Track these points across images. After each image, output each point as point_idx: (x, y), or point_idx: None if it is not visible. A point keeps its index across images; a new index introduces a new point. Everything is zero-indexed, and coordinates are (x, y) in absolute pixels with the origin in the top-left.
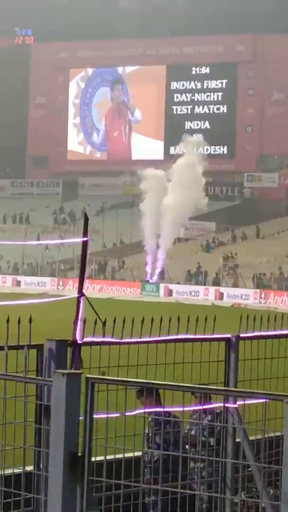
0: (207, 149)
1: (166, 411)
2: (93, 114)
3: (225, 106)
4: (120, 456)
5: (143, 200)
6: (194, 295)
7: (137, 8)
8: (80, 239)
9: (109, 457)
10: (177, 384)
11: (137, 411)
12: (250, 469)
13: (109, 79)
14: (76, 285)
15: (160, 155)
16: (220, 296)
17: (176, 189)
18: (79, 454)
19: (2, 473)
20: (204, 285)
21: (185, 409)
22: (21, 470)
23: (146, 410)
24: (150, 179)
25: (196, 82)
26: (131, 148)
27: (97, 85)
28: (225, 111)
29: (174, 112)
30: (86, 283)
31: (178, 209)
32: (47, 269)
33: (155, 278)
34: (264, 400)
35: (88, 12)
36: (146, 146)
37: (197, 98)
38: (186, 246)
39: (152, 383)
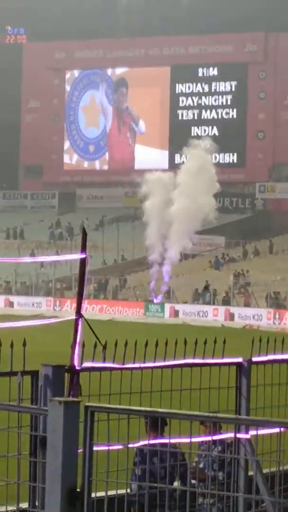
0: (215, 157)
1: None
2: (80, 119)
3: (234, 111)
4: (122, 491)
5: (145, 210)
6: (202, 316)
7: (138, 5)
8: (78, 256)
9: (110, 492)
10: (184, 412)
11: (140, 443)
12: (264, 504)
13: (101, 81)
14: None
15: (164, 164)
16: (231, 316)
17: (183, 195)
18: (77, 490)
19: None
20: (213, 304)
21: (193, 439)
22: (15, 508)
23: (151, 441)
24: (154, 184)
25: (203, 84)
26: (133, 156)
27: (84, 87)
28: (234, 116)
29: (180, 118)
30: (85, 303)
31: (186, 220)
32: (42, 289)
33: (159, 297)
34: (278, 429)
35: (86, 9)
36: (148, 154)
37: (204, 102)
38: (194, 262)
39: (157, 412)
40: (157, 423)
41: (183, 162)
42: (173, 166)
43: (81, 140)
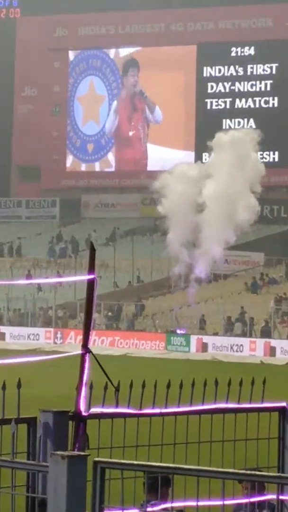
0: (252, 156)
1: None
2: (76, 111)
3: (275, 99)
4: None
5: (165, 217)
6: (237, 351)
7: None
8: (85, 277)
9: None
10: (215, 469)
11: (161, 506)
12: None
13: (106, 64)
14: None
15: (189, 164)
16: (272, 351)
17: (215, 196)
18: None
19: None
20: (250, 336)
21: (227, 502)
22: None
23: (170, 504)
24: (177, 182)
25: (237, 67)
26: (147, 155)
27: (83, 71)
28: (275, 104)
29: (208, 107)
30: (93, 335)
31: (218, 229)
32: (40, 317)
33: (184, 328)
34: None
35: None
36: (170, 153)
37: (239, 88)
38: (226, 284)
39: (182, 468)
40: (155, 484)
41: (212, 162)
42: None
43: (77, 138)
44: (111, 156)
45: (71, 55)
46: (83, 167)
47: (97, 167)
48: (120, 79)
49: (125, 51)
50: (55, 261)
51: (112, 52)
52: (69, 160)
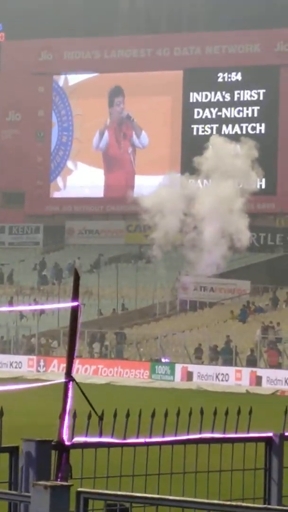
0: (239, 183)
1: None
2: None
3: (263, 125)
4: None
5: (151, 242)
6: (222, 380)
7: None
8: (68, 304)
9: None
10: (200, 500)
11: None
12: None
13: (94, 89)
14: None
15: (174, 191)
16: (258, 380)
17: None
18: None
19: None
20: (236, 365)
21: None
22: None
23: None
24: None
25: (224, 92)
26: (133, 181)
27: (74, 96)
28: (263, 131)
29: (194, 133)
30: (76, 363)
31: (206, 255)
32: (23, 345)
33: (169, 356)
34: None
35: (79, 1)
36: (155, 179)
37: (225, 114)
38: (211, 312)
39: (167, 499)
40: None
41: (198, 188)
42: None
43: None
44: (99, 182)
45: (65, 79)
46: (75, 192)
47: (88, 192)
48: (108, 106)
49: (111, 76)
50: (38, 288)
51: (101, 76)
52: (62, 184)
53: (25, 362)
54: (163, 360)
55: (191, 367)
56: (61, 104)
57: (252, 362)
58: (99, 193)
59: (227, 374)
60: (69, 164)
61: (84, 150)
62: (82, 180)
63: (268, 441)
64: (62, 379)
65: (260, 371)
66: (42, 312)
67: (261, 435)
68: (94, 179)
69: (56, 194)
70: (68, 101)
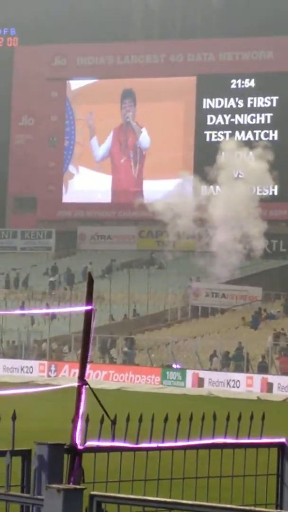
0: (251, 189)
1: None
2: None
3: (275, 132)
4: None
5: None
6: (233, 386)
7: (157, 1)
8: (82, 308)
9: None
10: (214, 505)
11: None
12: None
13: (106, 94)
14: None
15: (187, 197)
16: (269, 387)
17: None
18: None
19: None
20: (247, 372)
21: None
22: None
23: None
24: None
25: (237, 99)
26: (145, 186)
27: (85, 101)
28: (275, 138)
29: (207, 139)
30: (88, 368)
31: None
32: (34, 350)
33: (180, 362)
34: None
35: (92, 6)
36: (168, 185)
37: (238, 121)
38: (223, 319)
39: (180, 503)
40: None
41: (210, 194)
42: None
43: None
44: (108, 187)
45: (78, 84)
46: (86, 197)
47: (99, 197)
48: (120, 110)
49: (125, 81)
50: (50, 293)
51: (114, 82)
52: (73, 189)
53: (36, 367)
54: (174, 366)
55: (202, 373)
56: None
57: (263, 368)
58: (106, 198)
59: (238, 380)
60: (71, 168)
61: (86, 155)
62: (84, 185)
63: (280, 446)
64: (75, 383)
65: (271, 378)
66: (53, 317)
67: (274, 441)
68: (97, 184)
69: (68, 199)
70: (71, 105)
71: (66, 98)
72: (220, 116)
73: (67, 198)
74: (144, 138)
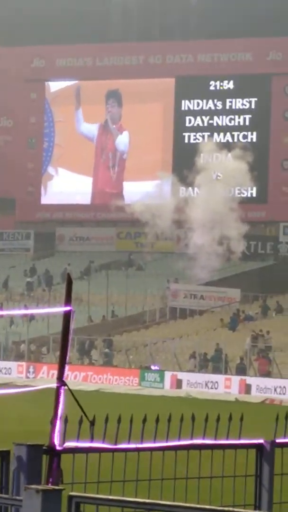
0: (229, 191)
1: None
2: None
3: (254, 134)
4: None
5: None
6: (212, 387)
7: (136, 3)
8: (61, 309)
9: None
10: (192, 506)
11: None
12: None
13: (86, 95)
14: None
15: (165, 198)
16: (247, 389)
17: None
18: None
19: None
20: (225, 373)
21: None
22: None
23: None
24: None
25: (215, 100)
26: (124, 188)
27: (64, 103)
28: (254, 139)
29: (186, 141)
30: (67, 369)
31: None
32: (12, 351)
33: (159, 363)
34: None
35: (72, 8)
36: (146, 186)
37: (217, 122)
38: (201, 320)
39: (158, 504)
40: None
41: (188, 196)
42: (177, 200)
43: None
44: (88, 188)
45: (57, 85)
46: (66, 198)
47: (79, 198)
48: (99, 112)
49: (104, 83)
50: (29, 294)
51: (94, 83)
52: (52, 190)
53: (14, 368)
54: (152, 367)
55: (180, 375)
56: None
57: (241, 370)
58: (85, 199)
59: (216, 382)
60: (50, 170)
61: (66, 156)
62: (64, 187)
63: (259, 447)
64: (53, 384)
65: (249, 379)
66: (32, 318)
67: (253, 442)
68: (77, 185)
69: (46, 201)
70: (50, 107)
71: (45, 99)
72: (198, 118)
73: (46, 199)
74: (121, 140)
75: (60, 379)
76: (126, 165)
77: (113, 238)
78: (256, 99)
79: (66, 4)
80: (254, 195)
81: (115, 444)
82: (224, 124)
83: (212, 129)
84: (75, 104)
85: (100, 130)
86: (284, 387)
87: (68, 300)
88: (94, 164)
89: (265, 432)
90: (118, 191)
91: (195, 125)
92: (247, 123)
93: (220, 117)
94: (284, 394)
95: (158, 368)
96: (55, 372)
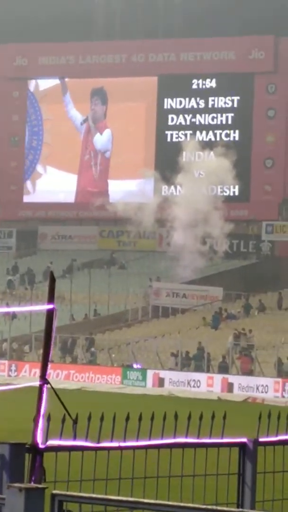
0: (212, 189)
1: None
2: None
3: (236, 132)
4: None
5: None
6: (194, 386)
7: (119, 2)
8: (44, 307)
9: None
10: (174, 504)
11: None
12: None
13: (68, 93)
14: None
15: (148, 197)
16: (229, 387)
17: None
18: None
19: None
20: (208, 372)
21: None
22: None
23: None
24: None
25: (198, 99)
26: (107, 186)
27: (48, 101)
28: (236, 138)
29: (168, 139)
30: (49, 367)
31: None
32: None
33: (140, 362)
34: None
35: (55, 6)
36: (128, 185)
37: (200, 121)
38: (184, 319)
39: (141, 502)
40: None
41: (171, 194)
42: (159, 199)
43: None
44: (73, 187)
45: (40, 83)
46: (50, 197)
47: (62, 196)
48: (81, 110)
49: (86, 81)
50: (11, 292)
51: (76, 81)
52: (35, 188)
53: None
54: (134, 366)
55: (162, 373)
56: (31, 109)
57: (224, 368)
58: (70, 198)
59: (198, 380)
60: (39, 168)
61: (54, 155)
62: (52, 185)
63: (242, 446)
64: (36, 382)
65: (231, 378)
66: (14, 317)
67: (235, 441)
68: (64, 184)
69: (26, 198)
70: (39, 105)
71: (29, 97)
72: (181, 116)
73: (34, 197)
74: (99, 139)
75: (43, 377)
76: (107, 163)
77: (95, 237)
78: (238, 97)
79: (49, 2)
80: (236, 193)
81: (98, 442)
82: (206, 122)
83: (195, 127)
84: (62, 90)
85: (86, 128)
86: (266, 385)
87: (51, 299)
88: (79, 162)
89: (247, 430)
90: (100, 189)
91: (178, 123)
92: (229, 121)
93: (203, 115)
94: (266, 392)
95: (140, 367)
96: (37, 371)
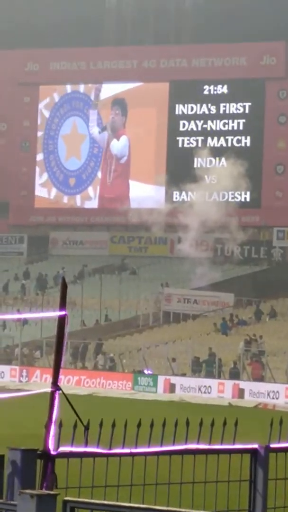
0: (223, 195)
1: None
2: (60, 148)
3: (248, 138)
4: None
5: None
6: (205, 392)
7: (130, 7)
8: (56, 313)
9: None
10: (187, 510)
11: None
12: None
13: (84, 101)
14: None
15: (159, 203)
16: (240, 393)
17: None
18: None
19: None
20: (219, 378)
21: None
22: None
23: None
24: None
25: (209, 105)
26: (120, 192)
27: (65, 110)
28: (248, 144)
29: (180, 145)
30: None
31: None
32: (5, 355)
33: (152, 368)
34: None
35: (66, 12)
36: (140, 190)
37: (211, 127)
38: (195, 325)
39: (153, 509)
40: None
41: (182, 200)
42: (170, 204)
43: (61, 173)
44: (91, 191)
45: (51, 90)
46: (65, 200)
47: (78, 200)
48: (97, 116)
49: (98, 87)
50: (22, 298)
51: (89, 89)
52: (53, 192)
53: (7, 372)
54: (145, 371)
55: (173, 379)
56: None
57: (235, 374)
58: (82, 203)
59: (209, 386)
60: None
61: None
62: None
63: (253, 452)
64: (48, 389)
65: (242, 384)
66: (25, 322)
67: (247, 447)
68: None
69: (40, 204)
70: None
71: (39, 103)
72: (192, 122)
73: (43, 203)
74: (115, 145)
75: (55, 383)
76: (119, 169)
77: (106, 242)
78: (250, 103)
79: (60, 9)
80: (248, 199)
81: (110, 448)
82: (218, 128)
83: (206, 133)
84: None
85: (106, 137)
86: (277, 391)
87: (63, 304)
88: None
89: (258, 436)
90: (111, 195)
91: (189, 129)
92: (241, 127)
93: (214, 121)
94: (277, 398)
95: (151, 373)
96: (48, 376)
